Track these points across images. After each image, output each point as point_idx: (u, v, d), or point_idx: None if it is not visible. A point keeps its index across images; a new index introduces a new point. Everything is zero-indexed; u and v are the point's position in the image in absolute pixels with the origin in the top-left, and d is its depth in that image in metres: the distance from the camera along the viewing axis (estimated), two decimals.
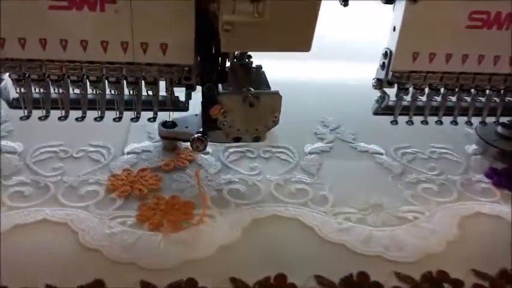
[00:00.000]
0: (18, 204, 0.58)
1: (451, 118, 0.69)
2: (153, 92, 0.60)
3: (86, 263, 0.52)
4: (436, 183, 0.69)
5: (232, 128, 0.60)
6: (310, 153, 0.73)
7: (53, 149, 0.69)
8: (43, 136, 0.70)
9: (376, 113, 0.69)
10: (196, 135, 0.60)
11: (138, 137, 0.73)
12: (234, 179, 0.66)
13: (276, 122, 0.61)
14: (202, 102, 0.59)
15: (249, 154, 0.72)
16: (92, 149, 0.70)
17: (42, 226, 0.56)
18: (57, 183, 0.62)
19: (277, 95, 0.59)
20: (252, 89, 0.58)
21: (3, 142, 0.69)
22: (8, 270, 0.49)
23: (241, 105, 0.58)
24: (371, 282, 0.51)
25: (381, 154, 0.74)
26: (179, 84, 0.59)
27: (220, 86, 0.58)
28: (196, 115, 0.68)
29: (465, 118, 0.70)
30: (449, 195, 0.67)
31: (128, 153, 0.70)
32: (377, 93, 0.66)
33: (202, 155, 0.70)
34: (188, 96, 0.63)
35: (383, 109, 0.68)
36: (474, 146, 0.78)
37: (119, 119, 0.62)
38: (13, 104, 0.60)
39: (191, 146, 0.60)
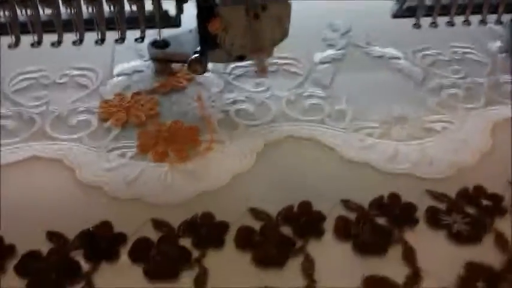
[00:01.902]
0: (2, 140, 0.52)
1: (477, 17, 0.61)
2: (137, 7, 0.51)
3: (87, 202, 0.46)
4: (461, 88, 0.62)
5: (234, 46, 0.52)
6: (321, 62, 0.66)
7: (33, 75, 0.61)
8: (19, 63, 0.62)
9: (396, 16, 0.61)
10: (193, 57, 0.52)
11: (126, 56, 0.64)
12: (240, 98, 0.59)
13: (285, 35, 0.53)
14: (197, 15, 0.51)
15: (253, 68, 0.64)
16: (77, 72, 0.62)
17: (33, 164, 0.50)
18: (43, 114, 0.55)
19: (286, 3, 0.50)
20: None
21: None
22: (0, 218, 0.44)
23: (244, 17, 0.49)
24: (403, 203, 0.47)
25: (398, 58, 0.67)
26: None
27: None
28: (190, 31, 0.59)
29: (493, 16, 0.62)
30: (477, 100, 0.60)
31: (118, 75, 0.62)
32: None
33: None
34: (179, 10, 0.54)
35: (404, 11, 0.60)
36: (498, 43, 0.71)
37: (101, 41, 0.53)
38: None
39: (189, 69, 0.53)
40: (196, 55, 0.52)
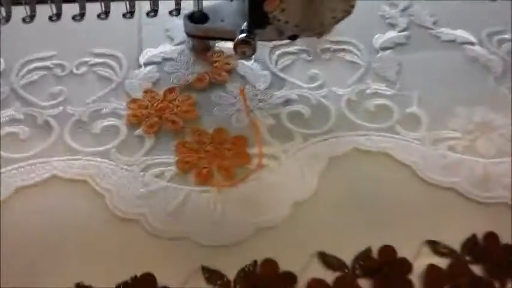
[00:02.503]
0: (14, 155, 0.43)
1: None
2: None
3: (122, 240, 0.38)
4: None
5: (288, 24, 0.43)
6: (382, 48, 0.56)
7: (45, 63, 0.51)
8: (28, 45, 0.52)
9: None
10: (241, 36, 0.43)
11: (153, 39, 0.54)
12: (292, 96, 0.50)
13: (349, 12, 0.43)
14: None
15: (303, 56, 0.54)
16: (97, 60, 0.52)
17: (52, 186, 0.42)
18: (61, 117, 0.46)
19: None
20: None
21: None
22: (12, 262, 0.36)
23: None
24: (503, 245, 0.39)
25: (472, 44, 0.57)
26: None
27: None
28: (231, 0, 0.49)
29: None
30: None
31: (146, 64, 0.52)
32: None
33: (243, 62, 0.52)
34: None
35: None
36: None
37: (130, 14, 0.44)
38: None
39: (235, 50, 0.44)
40: (244, 35, 0.43)
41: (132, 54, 0.52)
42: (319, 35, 0.46)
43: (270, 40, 0.49)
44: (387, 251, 0.37)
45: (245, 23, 0.44)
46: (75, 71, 0.51)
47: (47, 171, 0.42)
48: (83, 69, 0.51)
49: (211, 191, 0.41)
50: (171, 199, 0.41)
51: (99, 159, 0.43)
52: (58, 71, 0.50)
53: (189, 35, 0.51)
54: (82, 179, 0.42)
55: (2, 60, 0.51)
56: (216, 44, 0.53)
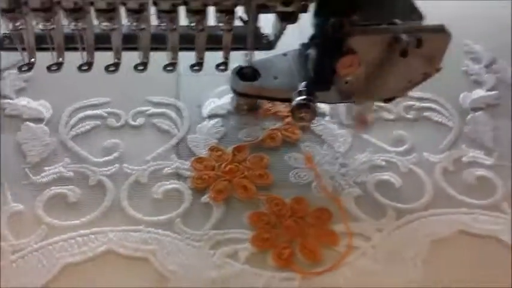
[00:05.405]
0: (62, 223, 0.37)
1: None
2: (227, 25, 0.36)
3: None
4: None
5: (354, 86, 0.37)
6: (472, 109, 0.49)
7: (97, 111, 0.46)
8: (70, 94, 0.47)
9: None
10: (299, 99, 0.36)
11: (213, 86, 0.49)
12: (378, 162, 0.43)
13: (429, 76, 0.38)
14: (318, 42, 0.36)
15: (384, 114, 0.48)
16: (155, 110, 0.46)
17: (106, 263, 0.35)
18: (116, 177, 0.40)
19: (445, 34, 0.35)
20: (400, 22, 0.35)
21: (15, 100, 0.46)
22: None
23: (384, 53, 0.35)
24: None
25: None
26: (268, 10, 0.35)
27: None
28: (285, 55, 0.43)
29: None
30: None
31: (210, 116, 0.46)
32: None
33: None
34: (281, 30, 0.38)
35: None
36: None
37: (172, 66, 0.38)
38: (3, 45, 0.37)
39: (293, 115, 0.38)
40: (302, 97, 0.37)
41: (193, 104, 0.47)
42: (391, 99, 0.40)
43: (331, 103, 0.43)
44: None
45: (303, 83, 0.38)
46: (131, 121, 0.45)
47: (101, 245, 0.35)
48: (141, 119, 0.45)
49: (296, 279, 0.34)
50: (247, 286, 0.34)
51: (161, 231, 0.36)
52: (112, 122, 0.45)
53: (238, 93, 0.43)
54: (142, 256, 0.35)
55: (47, 104, 0.45)
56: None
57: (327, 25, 0.35)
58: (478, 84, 0.52)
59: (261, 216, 0.38)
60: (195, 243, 0.36)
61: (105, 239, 0.36)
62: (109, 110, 0.46)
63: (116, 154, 0.42)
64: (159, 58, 0.38)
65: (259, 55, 0.41)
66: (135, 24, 0.35)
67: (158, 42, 0.38)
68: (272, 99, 0.44)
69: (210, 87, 0.48)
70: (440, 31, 0.36)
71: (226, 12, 0.35)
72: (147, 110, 0.46)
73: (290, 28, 0.37)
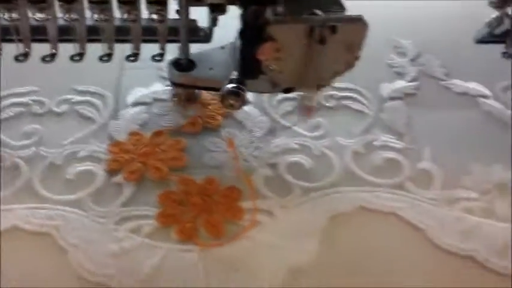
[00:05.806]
0: None
1: None
2: (159, 16, 0.37)
3: None
4: None
5: (283, 75, 0.39)
6: (391, 98, 0.51)
7: (23, 99, 0.47)
8: (7, 79, 0.48)
9: (481, 41, 0.48)
10: (228, 87, 0.38)
11: (144, 77, 0.50)
12: (292, 145, 0.45)
13: (351, 65, 0.39)
14: (240, 34, 0.37)
15: (305, 102, 0.50)
16: (79, 98, 0.48)
17: (12, 237, 0.36)
18: (32, 161, 0.41)
19: (362, 24, 0.37)
20: (320, 13, 0.36)
21: None
22: None
23: (303, 41, 0.36)
24: None
25: (487, 97, 0.53)
26: (199, 2, 0.38)
27: None
28: (222, 48, 0.45)
29: None
30: None
31: (134, 104, 0.48)
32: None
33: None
34: (213, 22, 0.41)
35: (494, 36, 0.48)
36: None
37: (108, 56, 0.39)
38: None
39: (222, 102, 0.39)
40: (233, 85, 0.38)
41: (120, 92, 0.48)
42: (318, 88, 0.42)
43: (262, 92, 0.45)
44: None
45: (235, 72, 0.40)
46: (54, 108, 0.46)
47: (7, 220, 0.36)
48: (64, 106, 0.47)
49: (194, 251, 0.36)
50: (145, 258, 0.35)
51: (68, 208, 0.38)
52: (36, 108, 0.46)
53: (174, 83, 0.45)
54: (45, 231, 0.36)
55: None
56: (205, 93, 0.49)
57: (245, 13, 0.36)
58: (400, 75, 0.55)
59: (170, 194, 0.39)
60: (100, 220, 0.37)
61: (12, 216, 0.37)
62: (34, 97, 0.47)
63: (35, 138, 0.43)
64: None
65: (200, 48, 0.43)
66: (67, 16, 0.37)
67: (96, 34, 0.39)
68: (207, 88, 0.46)
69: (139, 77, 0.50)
70: (357, 21, 0.38)
71: (157, 3, 0.37)
72: (71, 98, 0.47)
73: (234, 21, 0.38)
